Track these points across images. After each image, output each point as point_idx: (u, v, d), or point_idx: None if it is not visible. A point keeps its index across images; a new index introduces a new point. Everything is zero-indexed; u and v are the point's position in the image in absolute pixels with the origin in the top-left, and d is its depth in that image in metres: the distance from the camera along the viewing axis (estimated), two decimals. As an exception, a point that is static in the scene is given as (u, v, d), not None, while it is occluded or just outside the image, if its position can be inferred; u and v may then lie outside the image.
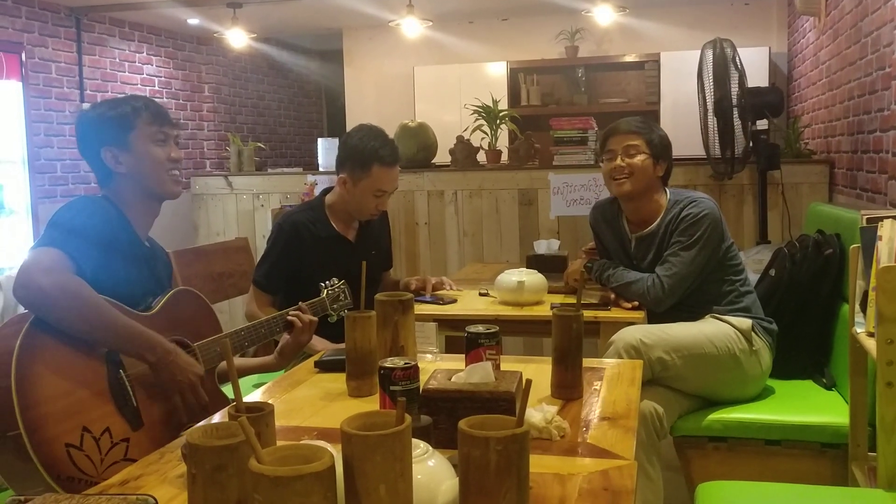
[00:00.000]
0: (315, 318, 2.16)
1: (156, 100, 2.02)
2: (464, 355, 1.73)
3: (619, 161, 2.61)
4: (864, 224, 2.06)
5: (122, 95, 2.04)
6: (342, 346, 1.84)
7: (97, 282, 1.69)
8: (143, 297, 1.84)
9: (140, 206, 1.92)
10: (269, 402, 1.31)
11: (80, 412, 1.58)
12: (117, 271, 1.77)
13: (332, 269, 2.45)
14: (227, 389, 2.06)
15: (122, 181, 1.90)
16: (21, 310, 1.66)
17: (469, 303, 2.85)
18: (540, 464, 1.28)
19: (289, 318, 2.11)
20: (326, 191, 2.89)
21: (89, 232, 1.74)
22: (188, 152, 7.00)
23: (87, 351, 1.65)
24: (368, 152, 2.69)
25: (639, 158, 2.60)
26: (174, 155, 1.94)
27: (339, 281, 2.36)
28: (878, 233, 1.95)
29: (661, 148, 2.63)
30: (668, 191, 2.69)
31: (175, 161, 1.94)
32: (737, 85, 4.21)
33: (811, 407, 2.49)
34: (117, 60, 6.28)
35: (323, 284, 2.30)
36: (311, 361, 2.04)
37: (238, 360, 2.17)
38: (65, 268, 1.65)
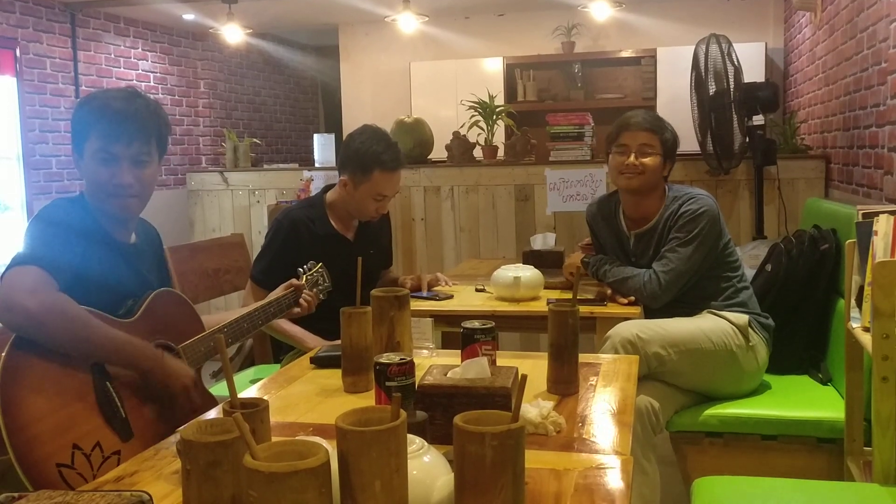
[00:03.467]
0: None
1: (136, 102, 1.78)
2: (460, 351, 1.73)
3: (632, 158, 2.59)
4: (860, 219, 2.07)
5: (113, 89, 1.87)
6: (338, 342, 1.83)
7: (75, 290, 1.63)
8: (123, 299, 1.78)
9: (103, 212, 1.80)
10: (265, 398, 1.31)
11: (70, 429, 1.54)
12: (93, 273, 1.70)
13: (330, 266, 2.44)
14: (215, 389, 2.05)
15: (84, 184, 1.82)
16: None
17: (465, 298, 2.85)
18: (536, 459, 1.28)
19: (302, 302, 2.22)
20: (328, 188, 2.88)
21: (63, 237, 1.68)
22: (184, 148, 6.99)
23: (72, 365, 1.61)
24: (370, 156, 2.67)
25: (652, 158, 2.58)
26: (118, 180, 1.74)
27: (318, 264, 2.35)
28: (874, 228, 1.96)
29: (671, 149, 2.63)
30: (666, 187, 2.68)
31: (122, 187, 1.75)
32: (733, 80, 4.21)
33: (807, 402, 2.49)
34: (112, 56, 6.27)
35: (301, 270, 2.29)
36: (306, 358, 2.04)
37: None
38: (48, 286, 1.59)
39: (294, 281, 2.23)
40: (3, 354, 1.52)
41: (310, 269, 2.31)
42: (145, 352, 1.69)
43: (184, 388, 1.73)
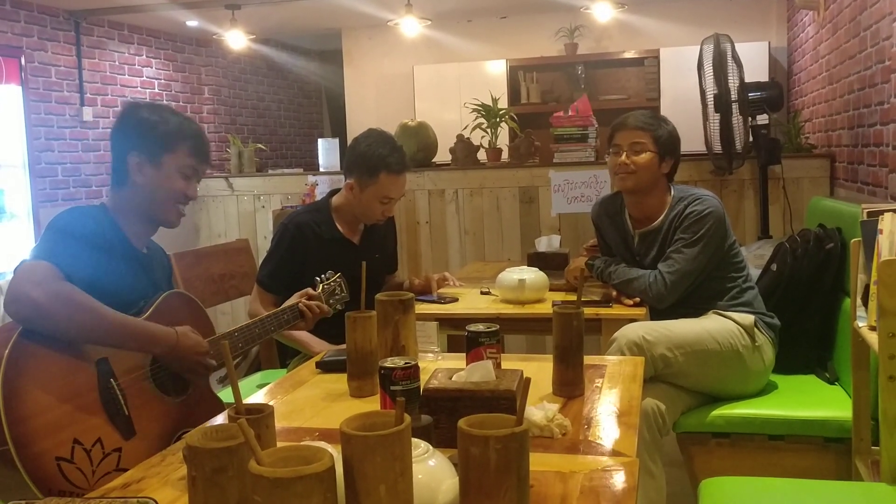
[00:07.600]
0: (326, 308, 2.22)
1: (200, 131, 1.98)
2: (465, 354, 1.73)
3: (623, 158, 2.60)
4: (865, 218, 2.06)
5: (175, 112, 1.98)
6: (343, 346, 1.84)
7: (88, 289, 1.66)
8: (135, 302, 1.81)
9: (137, 220, 1.90)
10: (270, 403, 1.31)
11: (71, 424, 1.55)
12: (109, 277, 1.74)
13: (336, 270, 2.44)
14: (222, 395, 2.06)
15: (133, 190, 1.87)
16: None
17: (470, 301, 2.85)
18: (541, 462, 1.28)
19: (301, 307, 2.15)
20: (333, 192, 2.89)
21: (80, 240, 1.72)
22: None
23: (77, 360, 1.62)
24: (376, 159, 2.69)
25: (644, 156, 2.59)
26: (190, 193, 1.93)
27: (335, 274, 2.34)
28: (879, 226, 1.95)
29: (667, 145, 2.62)
30: (672, 187, 2.68)
31: (188, 198, 1.94)
32: (736, 80, 4.20)
33: (814, 401, 2.49)
34: (117, 63, 6.29)
35: (318, 279, 2.28)
36: (312, 362, 2.04)
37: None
38: (55, 277, 1.62)
39: (309, 290, 2.21)
40: (9, 346, 1.54)
41: (327, 279, 2.28)
42: (157, 335, 1.72)
43: (199, 365, 1.78)
